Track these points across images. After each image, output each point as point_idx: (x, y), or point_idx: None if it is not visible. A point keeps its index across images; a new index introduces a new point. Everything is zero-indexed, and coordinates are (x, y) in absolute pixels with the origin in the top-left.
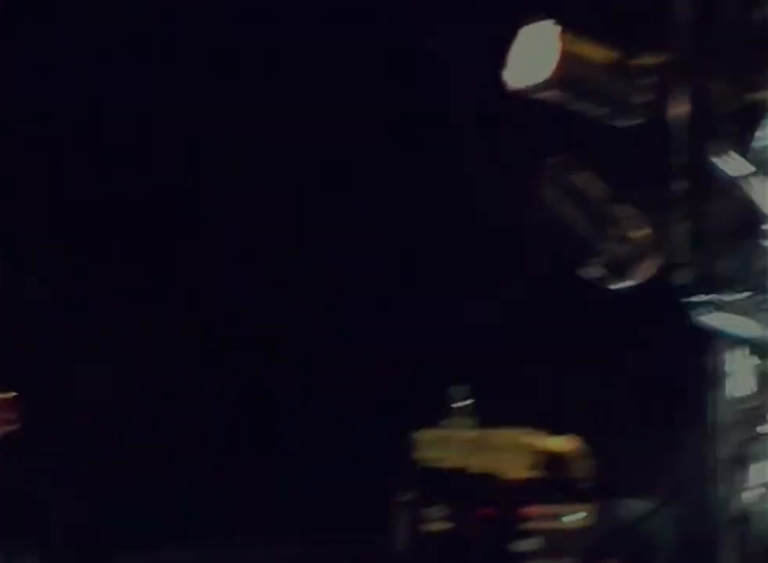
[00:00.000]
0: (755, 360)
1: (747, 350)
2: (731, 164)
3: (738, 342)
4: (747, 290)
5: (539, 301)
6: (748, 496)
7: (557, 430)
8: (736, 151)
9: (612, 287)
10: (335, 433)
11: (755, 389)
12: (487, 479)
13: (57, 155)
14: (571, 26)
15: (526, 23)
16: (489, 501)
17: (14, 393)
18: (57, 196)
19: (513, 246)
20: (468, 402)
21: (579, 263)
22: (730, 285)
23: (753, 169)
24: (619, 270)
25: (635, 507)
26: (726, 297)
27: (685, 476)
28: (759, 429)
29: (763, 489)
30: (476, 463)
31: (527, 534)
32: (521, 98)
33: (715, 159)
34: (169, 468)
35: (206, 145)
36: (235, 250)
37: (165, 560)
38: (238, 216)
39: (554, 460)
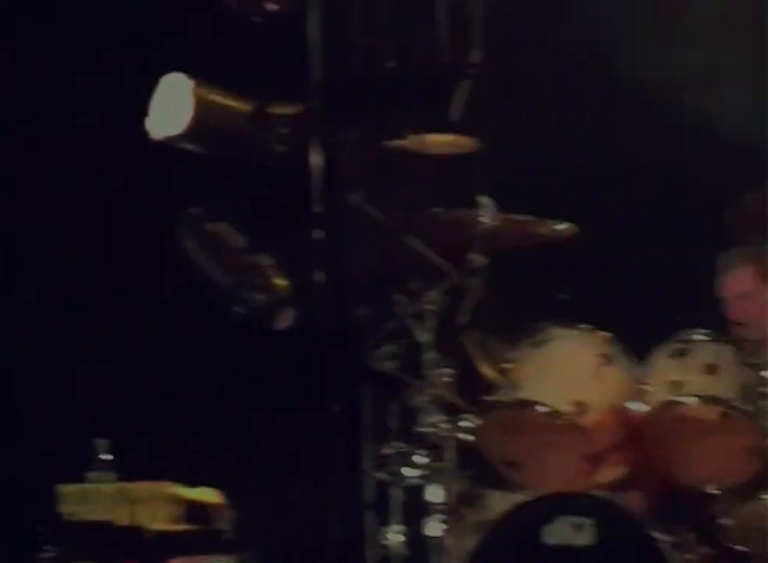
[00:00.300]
0: (395, 404)
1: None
2: (370, 212)
3: (379, 387)
4: (388, 337)
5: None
6: (389, 541)
7: (197, 481)
8: (374, 199)
9: (253, 336)
10: None
11: (394, 433)
12: (131, 532)
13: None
14: (206, 77)
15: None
16: (133, 554)
17: None
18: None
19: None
20: (111, 455)
21: (222, 313)
22: (371, 333)
23: (394, 217)
24: (259, 319)
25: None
26: (369, 345)
27: (329, 521)
28: (403, 472)
29: (402, 533)
30: (120, 516)
31: None
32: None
33: (353, 208)
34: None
35: None
36: None
37: None
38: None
39: (195, 511)
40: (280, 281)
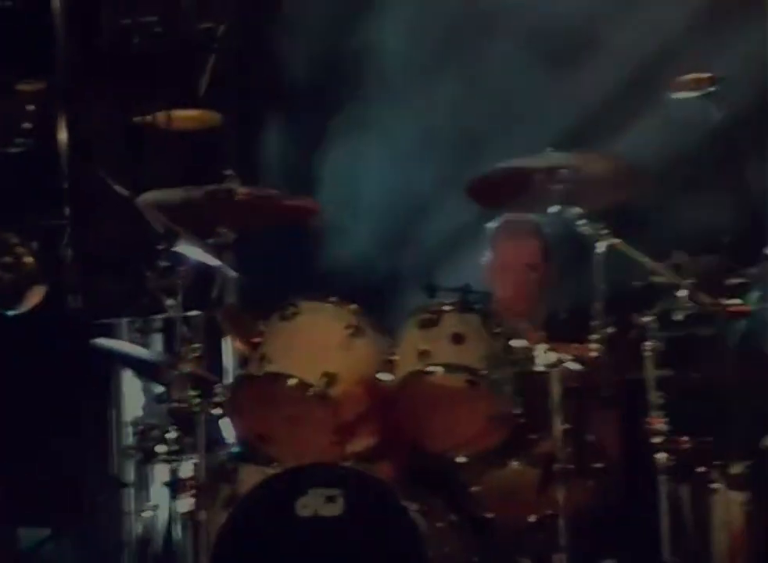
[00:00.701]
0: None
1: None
2: (117, 189)
3: (130, 364)
4: (138, 312)
5: None
6: (145, 517)
7: None
8: (121, 175)
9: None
10: None
11: (145, 410)
12: None
13: None
14: None
15: None
16: None
17: None
18: None
19: None
20: None
21: None
22: (121, 309)
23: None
24: (7, 297)
25: (32, 534)
26: (118, 320)
27: (86, 499)
28: (155, 448)
29: (155, 510)
30: None
31: None
32: None
33: (101, 185)
34: None
35: None
36: None
37: None
38: None
39: None
40: (28, 259)
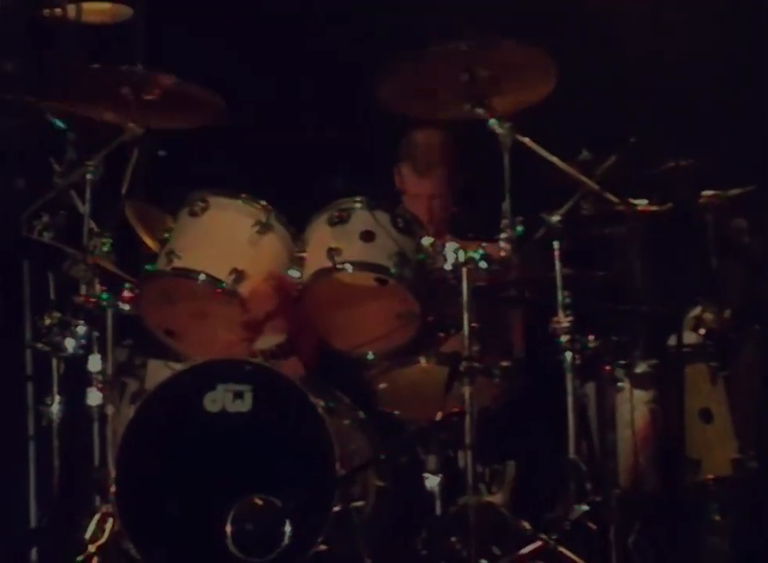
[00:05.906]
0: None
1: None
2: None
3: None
4: (46, 207)
5: None
6: (49, 411)
7: None
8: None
9: None
10: None
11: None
12: None
13: None
14: None
15: None
16: None
17: None
18: None
19: None
20: None
21: None
22: (28, 203)
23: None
24: None
25: None
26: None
27: None
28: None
29: (63, 404)
30: None
31: None
32: None
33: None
34: None
35: None
36: None
37: None
38: None
39: None
40: None
